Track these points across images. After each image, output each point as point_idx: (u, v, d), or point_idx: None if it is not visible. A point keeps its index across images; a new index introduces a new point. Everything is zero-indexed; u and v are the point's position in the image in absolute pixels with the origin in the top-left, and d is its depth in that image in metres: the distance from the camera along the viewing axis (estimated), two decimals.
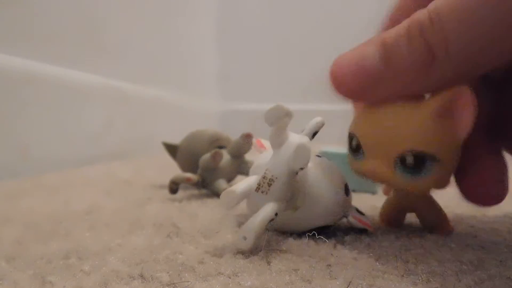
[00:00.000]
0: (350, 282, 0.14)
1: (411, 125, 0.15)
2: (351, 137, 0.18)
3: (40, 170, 0.44)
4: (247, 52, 1.30)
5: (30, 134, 0.44)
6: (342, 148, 0.35)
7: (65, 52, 0.52)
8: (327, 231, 0.20)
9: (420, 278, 0.14)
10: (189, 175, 0.30)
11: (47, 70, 0.48)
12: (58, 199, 0.29)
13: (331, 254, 0.17)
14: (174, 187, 0.29)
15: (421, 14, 0.14)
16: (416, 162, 0.15)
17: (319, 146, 0.37)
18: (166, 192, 0.30)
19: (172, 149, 0.36)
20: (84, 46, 0.57)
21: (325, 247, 0.18)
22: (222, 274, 0.15)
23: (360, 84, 0.15)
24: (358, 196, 0.31)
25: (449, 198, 0.31)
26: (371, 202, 0.29)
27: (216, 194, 0.30)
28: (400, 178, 0.16)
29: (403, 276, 0.15)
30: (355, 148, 0.18)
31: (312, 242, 0.18)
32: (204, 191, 0.32)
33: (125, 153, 0.64)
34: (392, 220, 0.21)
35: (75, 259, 0.16)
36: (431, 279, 0.14)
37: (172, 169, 0.35)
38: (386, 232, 0.20)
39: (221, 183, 0.31)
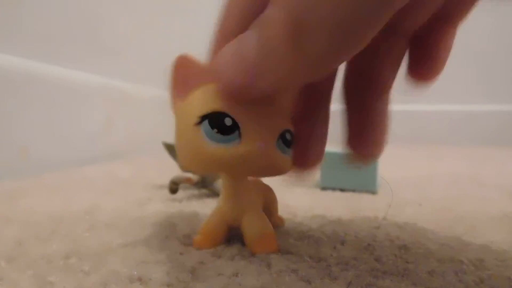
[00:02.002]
0: (350, 282, 0.14)
1: (286, 104, 0.16)
2: (220, 116, 0.14)
3: (40, 170, 0.44)
4: None
5: (30, 134, 0.44)
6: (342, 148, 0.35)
7: (65, 52, 0.52)
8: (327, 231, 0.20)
9: (420, 278, 0.14)
10: (189, 175, 0.30)
11: (47, 70, 0.48)
12: (58, 199, 0.29)
13: (331, 254, 0.17)
14: (174, 187, 0.29)
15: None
16: (291, 140, 0.16)
17: None
18: (166, 192, 0.30)
19: (172, 149, 0.36)
20: (84, 46, 0.57)
21: (325, 247, 0.18)
22: (222, 274, 0.15)
23: (244, 75, 0.13)
24: (358, 196, 0.31)
25: (449, 198, 0.31)
26: (371, 202, 0.29)
27: (216, 194, 0.30)
28: (280, 157, 0.15)
29: (403, 276, 0.15)
30: (228, 129, 0.14)
31: (312, 242, 0.18)
32: (204, 191, 0.32)
33: (125, 153, 0.64)
34: (215, 237, 0.18)
35: (75, 259, 0.16)
36: (431, 279, 0.14)
37: (172, 169, 0.35)
38: (386, 232, 0.20)
39: (221, 183, 0.31)
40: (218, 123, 0.14)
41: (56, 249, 0.17)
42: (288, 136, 0.16)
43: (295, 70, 0.12)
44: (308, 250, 0.17)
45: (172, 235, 0.19)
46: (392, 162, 0.57)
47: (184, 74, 0.16)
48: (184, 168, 0.28)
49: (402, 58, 0.18)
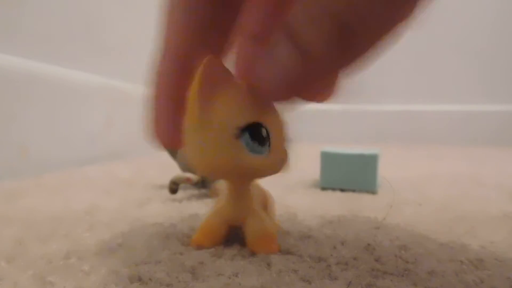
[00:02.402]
0: (350, 282, 0.14)
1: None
2: (257, 127, 0.14)
3: (40, 170, 0.44)
4: None
5: (30, 134, 0.44)
6: (342, 148, 0.35)
7: (65, 52, 0.52)
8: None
9: (420, 278, 0.14)
10: (189, 175, 0.30)
11: (47, 70, 0.48)
12: (58, 199, 0.29)
13: (331, 254, 0.17)
14: (174, 187, 0.29)
15: None
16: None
17: (319, 146, 0.37)
18: (166, 192, 0.30)
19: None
20: (84, 46, 0.57)
21: (325, 247, 0.18)
22: (222, 274, 0.15)
23: (288, 89, 0.13)
24: (358, 196, 0.31)
25: (449, 198, 0.31)
26: (371, 202, 0.29)
27: (216, 194, 0.30)
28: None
29: (403, 276, 0.15)
30: (263, 141, 0.15)
31: (312, 242, 0.18)
32: (204, 191, 0.32)
33: (125, 153, 0.64)
34: (215, 236, 0.18)
35: (75, 259, 0.16)
36: (431, 279, 0.14)
37: (172, 169, 0.35)
38: (386, 232, 0.20)
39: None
40: (258, 135, 0.14)
41: (56, 249, 0.17)
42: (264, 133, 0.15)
43: (337, 67, 0.12)
44: (308, 250, 0.17)
45: (172, 235, 0.19)
46: (392, 162, 0.57)
47: (213, 80, 0.14)
48: (207, 176, 0.28)
49: None
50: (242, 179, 0.17)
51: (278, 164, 0.15)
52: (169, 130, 0.17)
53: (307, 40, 0.12)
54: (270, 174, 0.15)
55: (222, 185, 0.21)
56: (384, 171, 0.34)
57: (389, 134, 1.15)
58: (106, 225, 0.22)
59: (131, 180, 0.39)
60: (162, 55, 0.16)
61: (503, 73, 1.13)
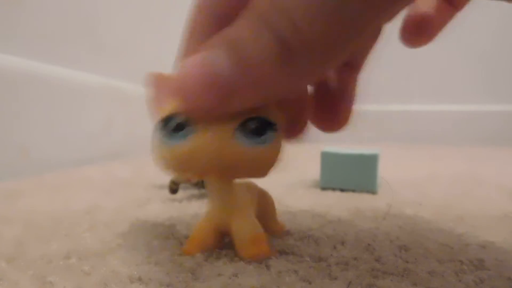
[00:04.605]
0: (350, 282, 0.14)
1: None
2: (168, 119, 0.14)
3: (40, 170, 0.44)
4: None
5: (30, 134, 0.44)
6: (342, 148, 0.35)
7: (65, 52, 0.52)
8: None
9: (420, 278, 0.14)
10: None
11: (47, 70, 0.48)
12: (58, 199, 0.29)
13: (331, 254, 0.17)
14: (174, 187, 0.29)
15: (260, 4, 0.12)
16: (258, 129, 0.14)
17: (319, 146, 0.37)
18: (166, 192, 0.30)
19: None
20: (84, 46, 0.57)
21: (325, 247, 0.18)
22: (222, 275, 0.15)
23: (215, 97, 0.12)
24: (358, 196, 0.31)
25: (450, 198, 0.31)
26: (371, 202, 0.29)
27: None
28: (240, 149, 0.14)
29: (403, 276, 0.15)
30: (175, 128, 0.14)
31: (312, 242, 0.18)
32: (204, 191, 0.32)
33: (125, 153, 0.64)
34: (203, 243, 0.17)
35: (75, 259, 0.16)
36: (431, 279, 0.14)
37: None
38: (386, 232, 0.20)
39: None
40: (164, 126, 0.14)
41: (56, 249, 0.17)
42: (252, 125, 0.14)
43: (279, 86, 0.12)
44: (308, 250, 0.17)
45: (172, 235, 0.19)
46: (392, 162, 0.57)
47: (159, 92, 0.15)
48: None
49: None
50: (175, 171, 0.16)
51: (197, 151, 0.14)
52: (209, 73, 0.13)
53: (248, 52, 0.12)
54: (194, 163, 0.14)
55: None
56: (384, 171, 0.34)
57: (389, 134, 1.15)
58: (106, 225, 0.22)
59: (131, 180, 0.39)
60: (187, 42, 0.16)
61: (503, 73, 1.13)
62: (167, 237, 0.19)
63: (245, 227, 0.17)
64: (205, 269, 0.15)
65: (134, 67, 0.72)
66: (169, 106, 0.15)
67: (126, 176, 0.42)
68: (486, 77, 1.14)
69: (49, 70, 0.48)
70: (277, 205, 0.21)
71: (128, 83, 0.68)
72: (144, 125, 0.73)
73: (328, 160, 0.34)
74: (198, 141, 0.14)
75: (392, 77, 1.17)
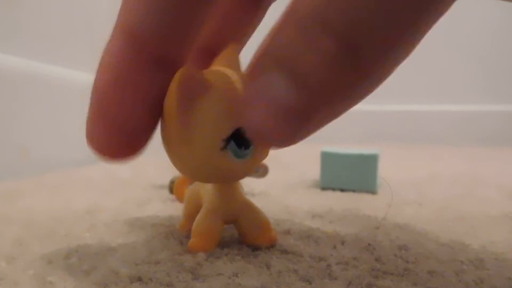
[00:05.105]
0: (350, 282, 0.14)
1: None
2: (238, 132, 0.14)
3: (40, 170, 0.44)
4: (246, 52, 1.30)
5: (30, 134, 0.44)
6: (342, 148, 0.35)
7: (65, 52, 0.52)
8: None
9: (420, 278, 0.14)
10: None
11: (47, 70, 0.48)
12: (58, 199, 0.29)
13: (331, 254, 0.17)
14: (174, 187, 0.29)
15: (304, 6, 0.10)
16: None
17: (319, 146, 0.37)
18: (166, 192, 0.30)
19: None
20: (84, 46, 0.57)
21: (325, 247, 0.18)
22: (222, 274, 0.15)
23: (290, 127, 0.11)
24: (358, 196, 0.31)
25: (449, 198, 0.31)
26: (371, 202, 0.29)
27: None
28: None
29: (403, 276, 0.15)
30: (246, 144, 0.14)
31: (312, 242, 0.18)
32: None
33: None
34: (213, 237, 0.17)
35: (75, 259, 0.16)
36: (431, 279, 0.14)
37: (172, 169, 0.35)
38: (386, 232, 0.20)
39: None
40: (242, 139, 0.14)
41: (56, 249, 0.17)
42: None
43: (349, 95, 0.10)
44: (308, 250, 0.17)
45: (172, 235, 0.19)
46: (392, 162, 0.57)
47: (190, 94, 0.14)
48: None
49: None
50: (229, 182, 0.17)
51: (258, 163, 0.15)
52: (112, 132, 0.13)
53: (305, 66, 0.10)
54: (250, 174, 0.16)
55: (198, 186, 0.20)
56: (384, 171, 0.34)
57: (389, 134, 1.15)
58: (106, 225, 0.22)
59: (131, 180, 0.39)
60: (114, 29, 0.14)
61: (503, 73, 1.13)
62: (167, 237, 0.19)
63: (257, 215, 0.18)
64: (205, 269, 0.15)
65: None
66: (220, 119, 0.14)
67: (126, 176, 0.42)
68: (486, 77, 1.14)
69: (49, 70, 0.48)
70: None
71: None
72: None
73: (328, 160, 0.34)
74: (262, 156, 0.15)
75: (392, 77, 1.16)
